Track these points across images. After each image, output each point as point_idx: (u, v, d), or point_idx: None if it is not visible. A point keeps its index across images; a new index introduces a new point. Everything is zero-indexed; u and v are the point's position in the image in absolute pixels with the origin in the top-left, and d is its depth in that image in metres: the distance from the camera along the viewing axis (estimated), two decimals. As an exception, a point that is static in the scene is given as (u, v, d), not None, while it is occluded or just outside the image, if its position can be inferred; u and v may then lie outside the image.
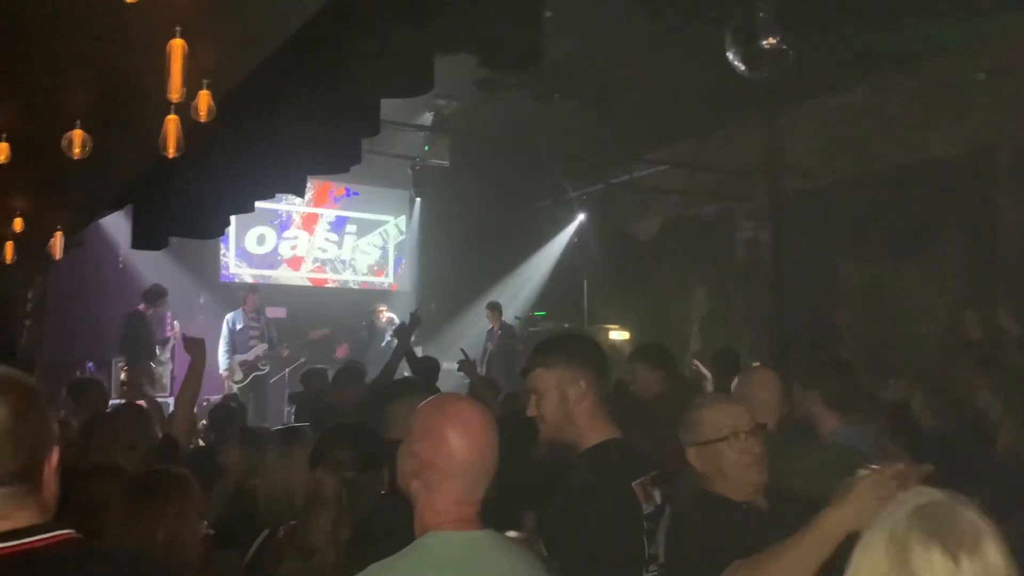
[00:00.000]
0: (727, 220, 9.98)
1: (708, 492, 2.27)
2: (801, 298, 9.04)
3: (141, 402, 4.68)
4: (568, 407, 2.28)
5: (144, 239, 6.13)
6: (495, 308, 10.08)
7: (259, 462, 3.65)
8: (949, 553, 1.24)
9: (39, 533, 1.28)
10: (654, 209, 10.54)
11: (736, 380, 3.19)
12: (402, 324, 6.05)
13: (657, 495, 2.24)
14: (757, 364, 5.75)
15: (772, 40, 6.15)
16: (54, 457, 1.37)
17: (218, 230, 6.05)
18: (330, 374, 7.08)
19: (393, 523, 2.54)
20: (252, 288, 9.80)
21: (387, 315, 10.21)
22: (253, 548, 2.87)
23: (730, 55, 6.30)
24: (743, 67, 6.33)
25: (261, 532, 2.96)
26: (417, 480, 1.71)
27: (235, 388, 8.95)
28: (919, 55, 7.50)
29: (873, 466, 1.84)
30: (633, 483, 2.16)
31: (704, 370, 6.00)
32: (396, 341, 9.67)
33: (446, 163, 9.49)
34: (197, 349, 3.76)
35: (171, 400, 7.10)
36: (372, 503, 2.54)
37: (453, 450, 1.68)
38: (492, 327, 10.03)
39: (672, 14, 6.69)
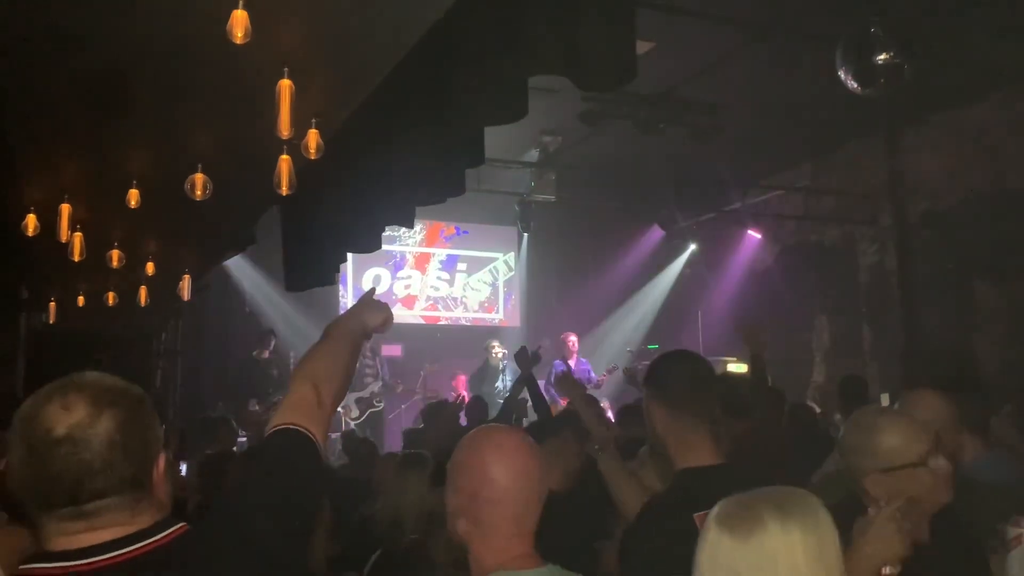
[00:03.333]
0: (849, 245, 9.54)
1: None
2: (933, 325, 8.50)
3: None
4: (657, 428, 2.23)
5: (291, 282, 6.28)
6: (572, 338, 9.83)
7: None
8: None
9: (158, 532, 1.33)
10: (771, 236, 10.20)
11: (897, 405, 2.93)
12: (523, 348, 5.95)
13: None
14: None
15: (886, 55, 5.88)
16: (161, 462, 1.41)
17: (331, 276, 6.13)
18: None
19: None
20: None
21: (500, 351, 10.23)
22: (368, 567, 2.92)
23: (842, 73, 6.07)
24: (856, 85, 6.07)
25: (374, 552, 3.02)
26: (464, 519, 1.67)
27: (352, 424, 9.15)
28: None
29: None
30: (697, 513, 2.02)
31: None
32: (511, 380, 9.80)
33: (552, 198, 9.50)
34: None
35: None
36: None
37: (494, 477, 1.64)
38: (566, 357, 9.78)
39: (781, 34, 6.51)
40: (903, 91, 6.01)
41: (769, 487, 1.52)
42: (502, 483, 1.64)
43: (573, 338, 9.64)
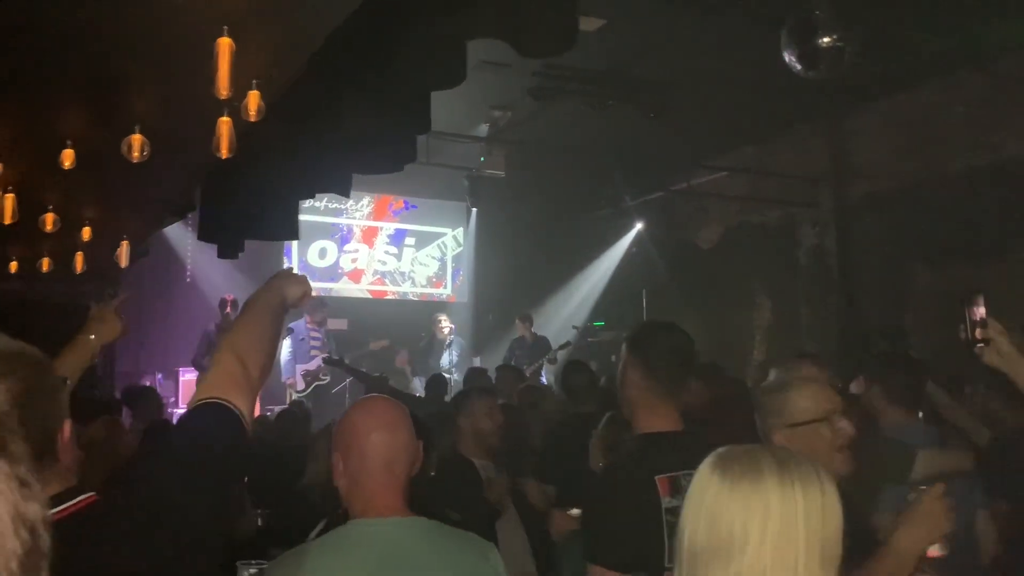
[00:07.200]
0: (791, 226, 9.73)
1: None
2: (870, 305, 8.74)
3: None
4: (626, 390, 2.34)
5: (220, 248, 6.23)
6: (525, 319, 10.02)
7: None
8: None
9: (61, 503, 1.28)
10: (715, 216, 10.34)
11: (772, 373, 3.07)
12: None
13: None
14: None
15: (829, 38, 6.00)
16: (67, 429, 1.36)
17: (285, 232, 6.06)
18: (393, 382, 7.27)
19: (443, 503, 2.59)
20: (320, 301, 9.94)
21: (447, 325, 10.24)
22: (312, 536, 2.90)
23: (786, 55, 6.16)
24: (799, 66, 6.18)
25: (316, 524, 2.99)
26: (343, 477, 1.84)
27: (298, 397, 9.08)
28: (991, 52, 7.20)
29: (923, 487, 1.94)
30: (659, 475, 2.14)
31: None
32: (457, 355, 9.91)
33: (501, 173, 9.49)
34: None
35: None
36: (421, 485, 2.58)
37: (363, 433, 1.83)
38: (521, 336, 9.94)
39: (731, 16, 6.58)
40: (846, 76, 6.13)
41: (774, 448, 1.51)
42: (370, 438, 1.82)
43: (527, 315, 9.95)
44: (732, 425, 3.58)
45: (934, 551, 1.88)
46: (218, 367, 1.59)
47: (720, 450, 1.38)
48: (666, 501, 2.11)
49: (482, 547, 1.91)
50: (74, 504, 1.29)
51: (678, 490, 2.12)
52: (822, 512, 1.27)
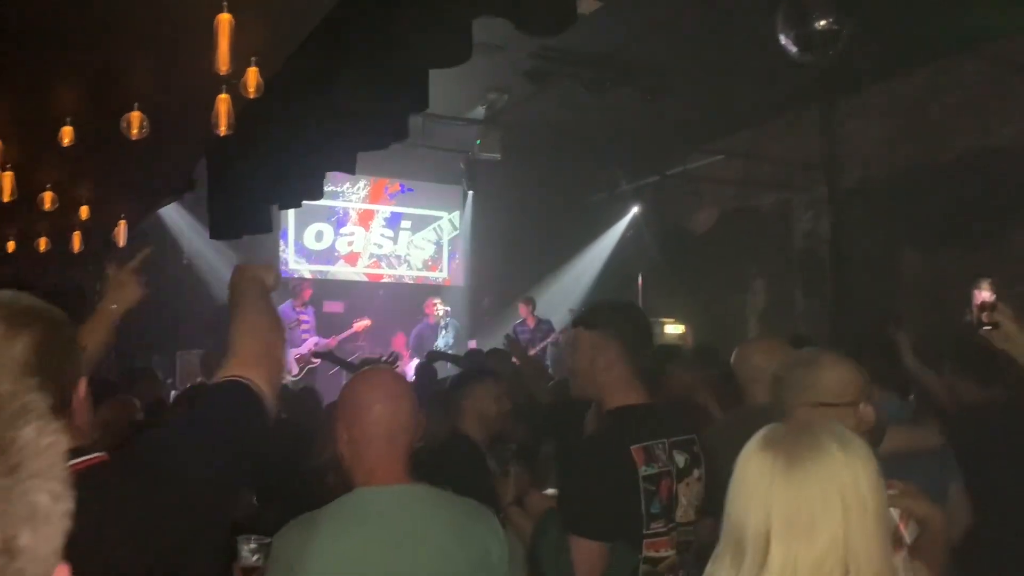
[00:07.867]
0: (785, 211, 9.78)
1: None
2: (862, 290, 8.80)
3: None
4: (595, 371, 2.36)
5: (217, 229, 6.23)
6: (527, 302, 10.06)
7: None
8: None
9: (70, 460, 1.30)
10: (710, 200, 10.38)
11: (735, 352, 3.08)
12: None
13: (681, 459, 2.28)
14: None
15: (824, 22, 6.03)
16: (82, 387, 1.37)
17: (266, 223, 6.05)
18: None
19: (437, 478, 2.65)
20: (307, 283, 9.96)
21: (442, 308, 10.28)
22: None
23: (782, 38, 6.19)
24: (795, 49, 6.21)
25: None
26: (346, 447, 1.89)
27: (290, 380, 9.11)
28: (984, 37, 7.23)
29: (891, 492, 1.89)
30: (634, 445, 2.20)
31: None
32: (452, 338, 9.96)
33: (498, 156, 9.49)
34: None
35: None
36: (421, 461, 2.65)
37: (367, 404, 1.88)
38: (523, 319, 9.98)
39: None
40: (841, 61, 6.16)
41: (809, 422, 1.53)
42: (374, 408, 1.87)
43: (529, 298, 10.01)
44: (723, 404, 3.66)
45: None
46: (239, 349, 1.60)
47: (765, 432, 1.39)
48: (642, 470, 2.17)
49: (484, 513, 1.97)
50: (83, 461, 1.28)
51: (653, 459, 2.21)
52: (877, 483, 1.32)
